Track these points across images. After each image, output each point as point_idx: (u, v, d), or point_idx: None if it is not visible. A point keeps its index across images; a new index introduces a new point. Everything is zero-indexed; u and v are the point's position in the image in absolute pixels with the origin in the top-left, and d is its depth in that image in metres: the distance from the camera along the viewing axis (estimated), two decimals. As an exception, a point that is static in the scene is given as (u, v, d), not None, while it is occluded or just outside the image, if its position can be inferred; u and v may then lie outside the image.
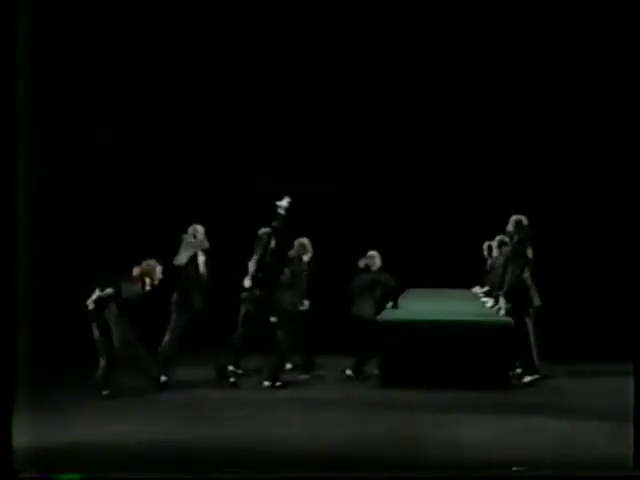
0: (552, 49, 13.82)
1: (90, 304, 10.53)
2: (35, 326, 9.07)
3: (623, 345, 11.82)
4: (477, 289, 14.06)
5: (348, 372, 11.77)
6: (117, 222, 13.23)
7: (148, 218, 13.49)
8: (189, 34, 13.85)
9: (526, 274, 11.31)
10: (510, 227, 11.28)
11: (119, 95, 13.55)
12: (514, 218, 11.23)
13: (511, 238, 11.41)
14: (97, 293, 10.53)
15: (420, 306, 12.54)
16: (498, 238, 12.47)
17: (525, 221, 11.23)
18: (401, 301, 12.43)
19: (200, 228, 11.30)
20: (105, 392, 10.50)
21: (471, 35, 13.92)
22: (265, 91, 13.90)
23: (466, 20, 13.91)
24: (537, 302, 11.41)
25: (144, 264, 10.80)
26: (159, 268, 10.82)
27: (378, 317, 11.49)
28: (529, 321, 11.29)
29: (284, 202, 11.08)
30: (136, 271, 10.74)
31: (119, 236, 12.86)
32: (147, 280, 10.72)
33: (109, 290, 10.48)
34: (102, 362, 10.54)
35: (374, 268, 12.01)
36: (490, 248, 13.13)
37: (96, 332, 10.53)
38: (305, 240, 11.53)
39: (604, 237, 13.57)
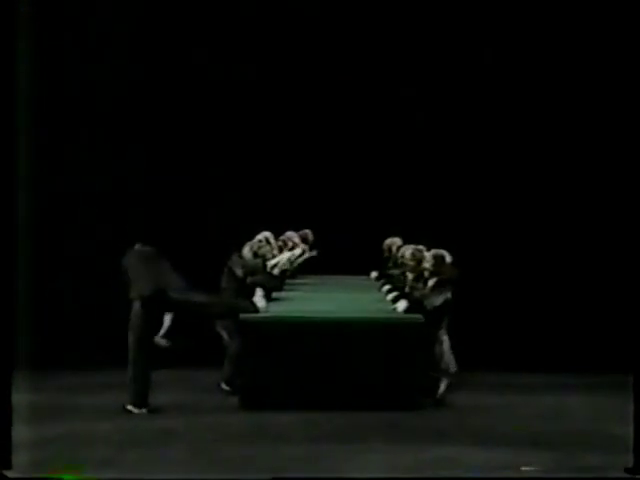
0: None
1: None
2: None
3: (561, 356, 12.79)
4: (374, 274, 13.48)
5: (223, 385, 10.91)
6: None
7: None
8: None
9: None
10: (428, 265, 10.49)
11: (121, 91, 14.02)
12: (433, 253, 10.46)
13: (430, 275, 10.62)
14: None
15: (301, 299, 11.63)
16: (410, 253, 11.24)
17: (449, 258, 10.49)
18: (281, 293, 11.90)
19: None
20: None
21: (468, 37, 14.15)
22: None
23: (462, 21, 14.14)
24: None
25: None
26: None
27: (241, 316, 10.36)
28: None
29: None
30: None
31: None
32: None
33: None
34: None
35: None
36: (390, 250, 12.74)
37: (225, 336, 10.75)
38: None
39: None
